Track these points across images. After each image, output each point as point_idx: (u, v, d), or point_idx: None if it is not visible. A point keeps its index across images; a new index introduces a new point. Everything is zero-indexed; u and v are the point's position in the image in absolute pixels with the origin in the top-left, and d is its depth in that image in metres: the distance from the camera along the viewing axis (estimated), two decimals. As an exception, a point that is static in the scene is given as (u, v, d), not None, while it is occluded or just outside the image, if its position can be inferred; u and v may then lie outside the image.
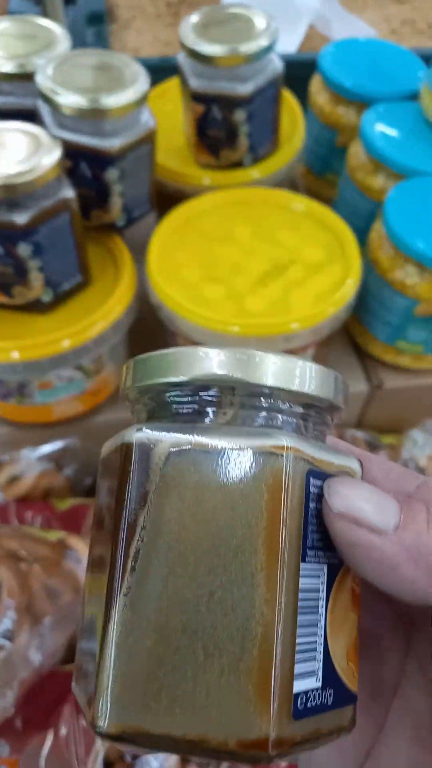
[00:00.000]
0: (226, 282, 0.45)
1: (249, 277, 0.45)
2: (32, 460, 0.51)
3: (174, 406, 0.16)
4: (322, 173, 0.65)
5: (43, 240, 0.41)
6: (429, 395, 0.53)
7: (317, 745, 0.14)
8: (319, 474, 0.15)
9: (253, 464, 0.14)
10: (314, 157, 0.64)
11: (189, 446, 0.14)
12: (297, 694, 0.14)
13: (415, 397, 0.53)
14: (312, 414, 0.16)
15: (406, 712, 0.17)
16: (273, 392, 0.15)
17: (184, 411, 0.15)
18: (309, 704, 0.14)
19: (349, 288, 0.43)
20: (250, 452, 0.14)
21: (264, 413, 0.15)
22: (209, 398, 0.15)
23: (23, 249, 0.40)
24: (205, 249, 0.47)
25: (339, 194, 0.58)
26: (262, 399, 0.15)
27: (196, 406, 0.15)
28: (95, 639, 0.15)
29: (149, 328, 0.53)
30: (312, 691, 0.14)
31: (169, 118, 0.58)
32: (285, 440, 0.14)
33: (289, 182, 0.62)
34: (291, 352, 0.44)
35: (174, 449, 0.14)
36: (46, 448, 0.51)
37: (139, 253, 0.48)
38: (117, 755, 0.40)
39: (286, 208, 0.49)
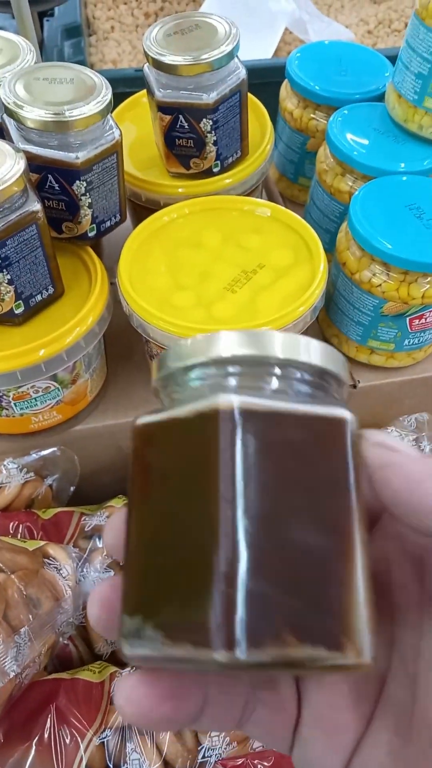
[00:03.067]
0: (195, 289, 0.45)
1: (218, 284, 0.45)
2: (14, 471, 0.51)
3: (237, 377, 0.18)
4: (296, 179, 0.65)
5: (12, 253, 0.42)
6: (402, 392, 0.54)
7: None
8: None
9: (319, 423, 0.17)
10: (287, 162, 0.65)
11: (263, 408, 0.17)
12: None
13: (388, 394, 0.54)
14: (335, 386, 0.20)
15: (390, 706, 0.18)
16: (322, 371, 0.18)
17: (247, 382, 0.18)
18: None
19: (315, 289, 0.43)
20: (317, 415, 0.17)
21: (309, 387, 0.18)
22: (273, 372, 0.18)
23: (-9, 263, 0.41)
24: (175, 257, 0.48)
25: (310, 198, 0.58)
26: (310, 375, 0.18)
27: (268, 378, 0.18)
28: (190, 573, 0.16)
29: (127, 336, 0.53)
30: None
31: (145, 128, 0.59)
32: (342, 412, 0.18)
33: (262, 188, 0.62)
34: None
35: (250, 410, 0.17)
36: (28, 459, 0.52)
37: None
38: (100, 764, 0.41)
39: (253, 213, 0.50)
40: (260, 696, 0.19)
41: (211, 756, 0.39)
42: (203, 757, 0.39)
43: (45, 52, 0.92)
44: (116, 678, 0.17)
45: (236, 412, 0.16)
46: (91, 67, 0.99)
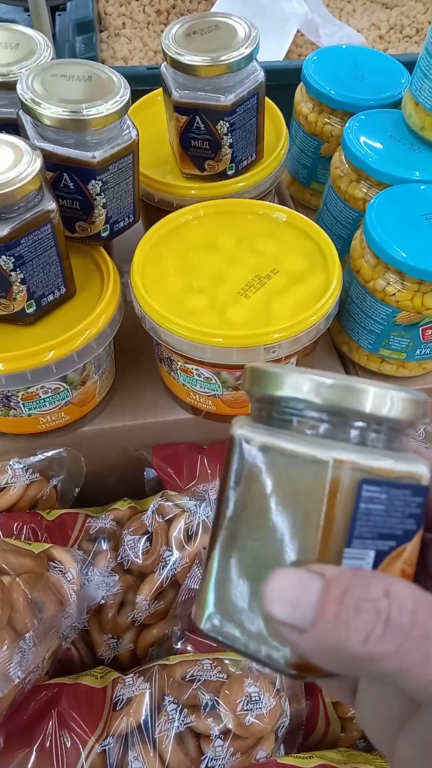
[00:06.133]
0: (208, 292, 0.45)
1: (231, 287, 0.45)
2: (19, 471, 0.51)
3: (273, 412, 0.20)
4: (308, 183, 0.65)
5: (25, 252, 0.41)
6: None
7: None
8: (375, 481, 0.18)
9: (317, 469, 0.18)
10: (300, 166, 0.64)
11: (272, 447, 0.18)
12: None
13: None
14: (383, 427, 0.19)
15: None
16: (344, 411, 0.18)
17: (278, 417, 0.20)
18: None
19: (329, 298, 0.43)
20: (316, 460, 0.18)
21: (333, 427, 0.19)
22: (296, 412, 0.19)
23: (4, 262, 0.40)
24: (188, 259, 0.47)
25: (323, 204, 0.58)
26: (333, 416, 0.19)
27: (286, 417, 0.19)
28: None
29: (136, 337, 0.53)
30: None
31: (158, 127, 0.58)
32: (345, 455, 0.18)
33: (275, 191, 0.62)
34: (273, 361, 0.44)
35: (261, 446, 0.19)
36: (33, 459, 0.51)
37: (129, 263, 0.48)
38: (101, 769, 0.40)
39: (268, 218, 0.50)
40: None
41: (214, 766, 0.38)
42: (206, 767, 0.39)
43: (57, 47, 0.91)
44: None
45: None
46: (102, 63, 0.98)
